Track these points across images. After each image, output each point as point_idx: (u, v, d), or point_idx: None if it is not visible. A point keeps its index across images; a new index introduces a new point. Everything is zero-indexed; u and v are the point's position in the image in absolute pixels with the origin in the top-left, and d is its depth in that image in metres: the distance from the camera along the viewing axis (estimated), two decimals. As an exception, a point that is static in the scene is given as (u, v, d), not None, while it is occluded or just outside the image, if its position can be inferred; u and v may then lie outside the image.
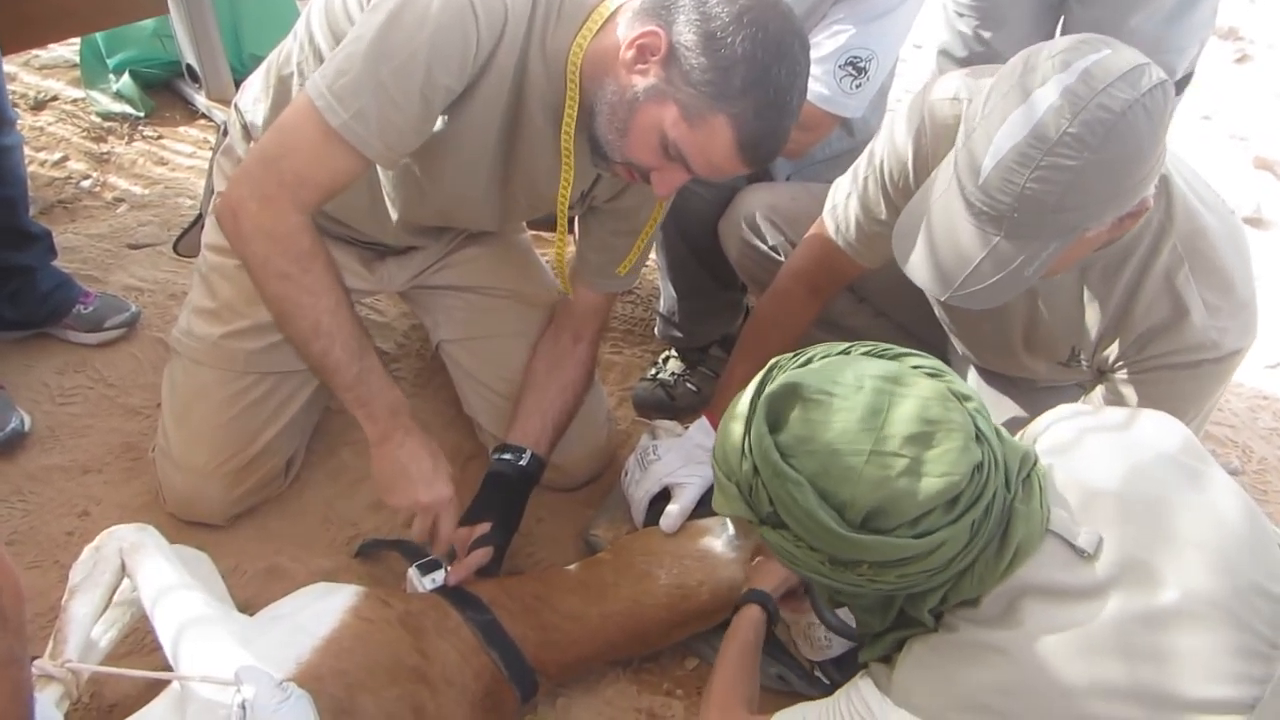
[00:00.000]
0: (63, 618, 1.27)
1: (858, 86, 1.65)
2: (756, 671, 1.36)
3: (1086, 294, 1.31)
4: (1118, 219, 1.12)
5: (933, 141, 1.28)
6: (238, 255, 1.37)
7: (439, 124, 1.33)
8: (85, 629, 1.27)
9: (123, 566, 1.34)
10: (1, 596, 0.55)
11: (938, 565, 0.96)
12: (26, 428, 1.76)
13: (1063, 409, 1.15)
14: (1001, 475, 0.98)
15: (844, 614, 1.47)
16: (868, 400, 0.96)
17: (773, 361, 1.07)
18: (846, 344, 1.08)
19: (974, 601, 1.00)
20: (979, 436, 0.97)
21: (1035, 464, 1.04)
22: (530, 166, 1.45)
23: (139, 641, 1.48)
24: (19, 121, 2.59)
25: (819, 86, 1.64)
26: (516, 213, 1.62)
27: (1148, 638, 0.94)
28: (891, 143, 1.35)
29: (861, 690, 1.08)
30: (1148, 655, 0.93)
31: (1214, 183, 1.34)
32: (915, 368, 1.01)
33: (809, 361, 1.05)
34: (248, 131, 1.60)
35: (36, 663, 1.18)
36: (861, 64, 1.64)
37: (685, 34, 1.20)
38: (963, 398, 1.00)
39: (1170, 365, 1.25)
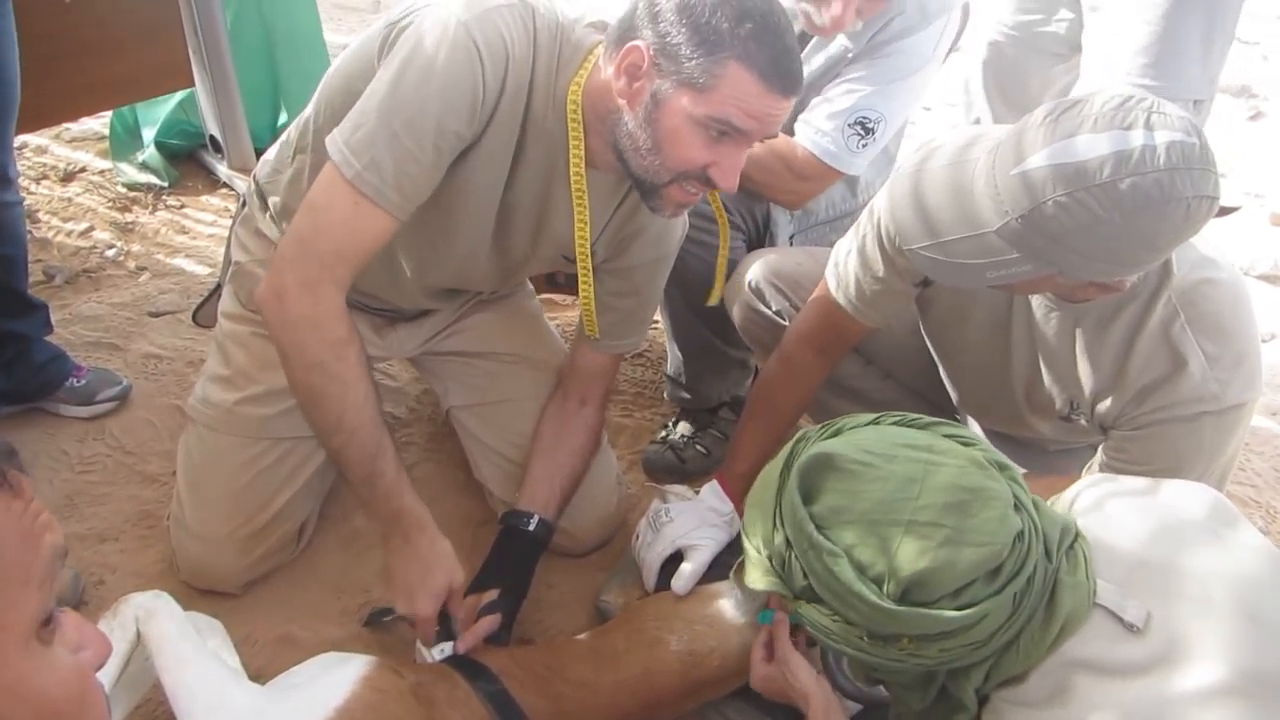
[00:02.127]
0: (76, 689, 1.27)
1: (863, 146, 1.69)
2: None
3: (1080, 343, 1.32)
4: (1089, 282, 1.13)
5: None
6: (275, 341, 1.38)
7: (450, 174, 1.36)
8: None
9: (138, 634, 1.35)
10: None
11: (981, 638, 0.94)
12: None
13: (1091, 477, 1.13)
14: (1041, 545, 0.96)
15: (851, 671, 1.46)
16: (903, 469, 0.94)
17: (800, 434, 1.06)
18: (873, 414, 1.07)
19: (1019, 679, 0.97)
20: (1018, 505, 0.96)
21: (1078, 535, 1.01)
22: (543, 211, 1.48)
23: (152, 713, 1.48)
24: (49, 193, 2.69)
25: (826, 142, 1.68)
26: (527, 267, 1.64)
27: (1210, 716, 0.88)
28: (891, 198, 1.37)
29: None
30: None
31: (1230, 241, 1.35)
32: (948, 436, 1.00)
33: (838, 433, 1.04)
34: (265, 202, 1.64)
35: (49, 734, 1.18)
36: (870, 124, 1.68)
37: (656, 28, 1.23)
38: (1000, 466, 0.99)
39: (1168, 420, 1.25)
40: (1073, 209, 1.04)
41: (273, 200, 1.62)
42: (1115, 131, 1.03)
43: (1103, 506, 1.06)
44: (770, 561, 1.00)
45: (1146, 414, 1.28)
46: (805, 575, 0.96)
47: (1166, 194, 1.02)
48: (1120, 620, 0.94)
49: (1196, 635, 0.92)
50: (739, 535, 1.63)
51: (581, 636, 1.57)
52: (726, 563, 1.60)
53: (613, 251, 1.57)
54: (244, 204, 1.73)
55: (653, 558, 1.61)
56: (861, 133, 1.69)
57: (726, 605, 1.53)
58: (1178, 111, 1.05)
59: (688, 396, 2.06)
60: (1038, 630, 0.95)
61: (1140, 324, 1.26)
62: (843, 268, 1.49)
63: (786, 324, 1.69)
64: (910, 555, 0.91)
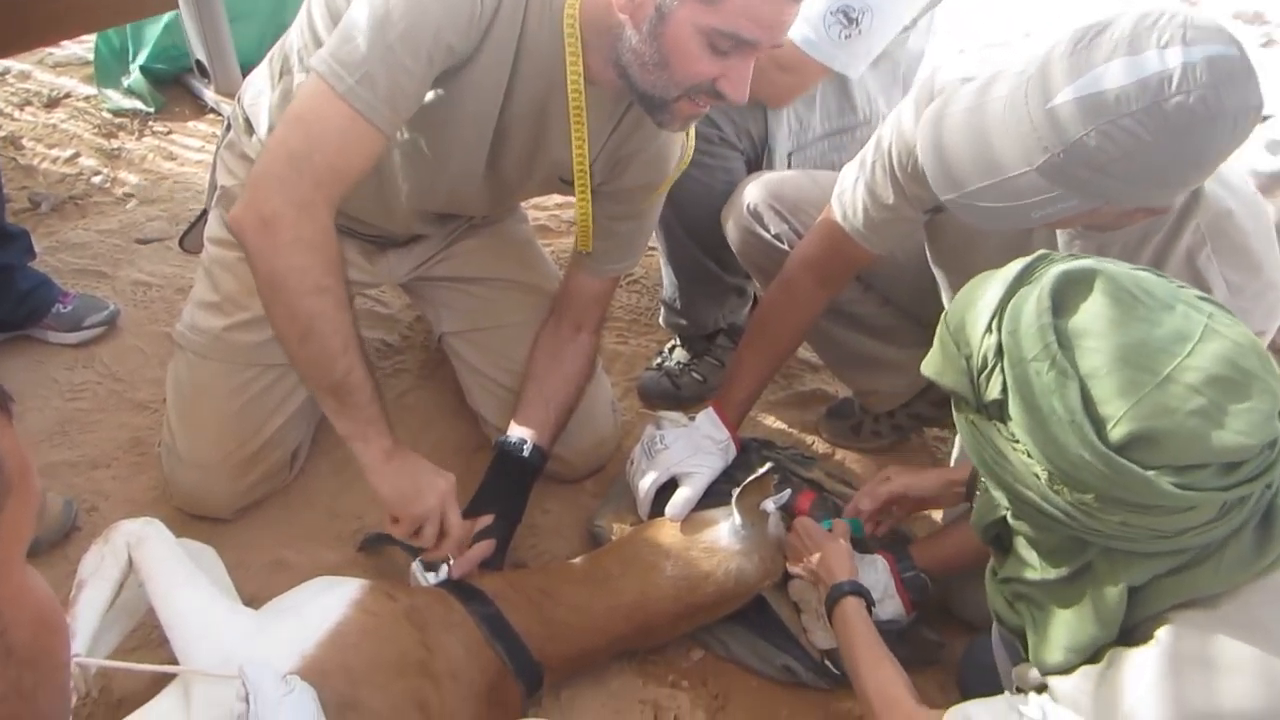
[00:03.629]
0: (71, 612, 1.27)
1: (846, 37, 1.61)
2: (893, 657, 1.27)
3: None
4: (1136, 208, 1.09)
5: None
6: (265, 272, 1.28)
7: (443, 95, 1.31)
8: (93, 623, 1.28)
9: (130, 560, 1.34)
10: (18, 630, 0.56)
11: (1171, 529, 0.84)
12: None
13: None
14: (1275, 471, 0.85)
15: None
16: (1179, 323, 0.83)
17: (1041, 252, 0.94)
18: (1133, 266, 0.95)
19: (1211, 604, 0.87)
20: None
21: None
22: (539, 131, 1.43)
23: (147, 636, 1.49)
24: (33, 120, 2.63)
25: (805, 29, 1.61)
26: (522, 190, 1.59)
27: None
28: (899, 128, 1.33)
29: (1046, 710, 0.93)
30: None
31: (1239, 166, 1.31)
32: (1222, 313, 0.88)
33: (1100, 260, 0.91)
34: (250, 126, 1.60)
35: (41, 657, 1.19)
36: (854, 14, 1.60)
37: None
38: (1276, 374, 0.86)
39: None
40: (1117, 137, 0.99)
41: (258, 121, 1.58)
42: (1151, 52, 0.97)
43: None
44: (967, 361, 0.90)
45: None
46: (1005, 389, 0.85)
47: (1213, 110, 0.97)
48: None
49: None
50: (734, 462, 1.63)
51: (576, 561, 1.57)
52: (720, 490, 1.59)
53: (609, 173, 1.52)
54: (229, 128, 1.69)
55: (647, 484, 1.60)
56: (845, 22, 1.61)
57: (721, 531, 1.53)
58: (1212, 21, 1.00)
59: (683, 322, 2.03)
60: (1246, 551, 0.86)
61: (1166, 252, 1.23)
62: (850, 195, 1.45)
63: (785, 249, 1.65)
64: (1151, 410, 0.80)
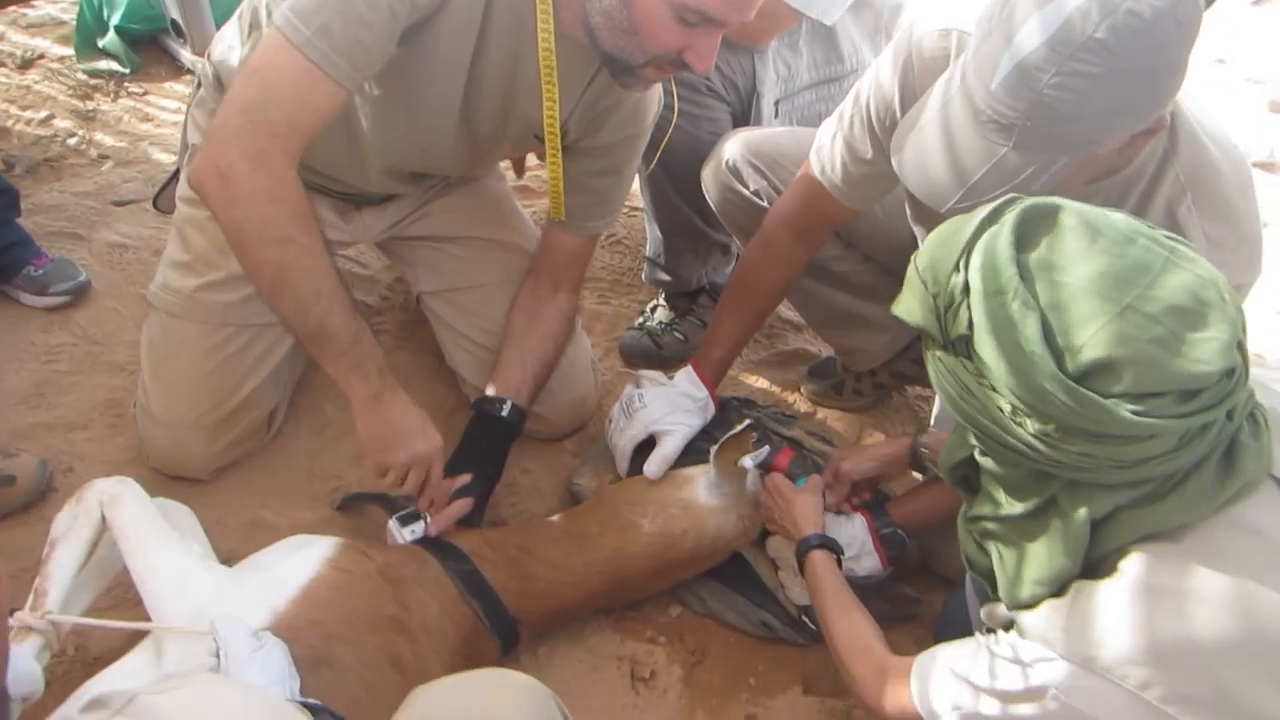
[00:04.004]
0: (43, 570, 1.27)
1: None
2: (862, 606, 1.30)
3: None
4: (1130, 137, 1.07)
5: (920, 77, 1.24)
6: (227, 224, 1.27)
7: (412, 48, 1.29)
8: (66, 581, 1.27)
9: (103, 519, 1.34)
10: None
11: (1131, 459, 0.85)
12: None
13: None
14: (1235, 400, 0.87)
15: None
16: (1140, 255, 0.84)
17: (1011, 195, 0.95)
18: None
19: (1175, 536, 0.88)
20: (1239, 345, 0.86)
21: (1257, 401, 0.93)
22: (507, 92, 1.41)
23: (123, 595, 1.48)
24: (6, 81, 2.59)
25: None
26: (496, 148, 1.57)
27: None
28: (877, 81, 1.31)
29: (1016, 645, 0.95)
30: None
31: (1230, 126, 1.30)
32: (1186, 248, 0.89)
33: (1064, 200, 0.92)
34: (220, 82, 1.57)
35: (16, 615, 1.18)
36: None
37: None
38: (1237, 305, 0.87)
39: None
40: (1071, 84, 0.99)
41: (229, 76, 1.55)
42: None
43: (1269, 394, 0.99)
44: (935, 300, 0.92)
45: None
46: (970, 325, 0.87)
47: (1147, 20, 0.96)
48: None
49: None
50: (713, 420, 1.63)
51: (554, 519, 1.57)
52: (699, 448, 1.59)
53: (586, 129, 1.50)
54: (199, 85, 1.66)
55: (625, 442, 1.60)
56: None
57: (699, 489, 1.53)
58: None
59: (666, 278, 2.02)
60: (1209, 484, 0.87)
61: (1147, 204, 1.21)
62: (828, 150, 1.43)
63: (765, 205, 1.64)
64: (1112, 339, 0.81)
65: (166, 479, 1.66)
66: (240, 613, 1.20)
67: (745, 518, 1.53)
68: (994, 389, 0.87)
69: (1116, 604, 0.87)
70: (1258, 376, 0.96)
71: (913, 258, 0.97)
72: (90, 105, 2.58)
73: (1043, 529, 0.93)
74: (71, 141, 2.44)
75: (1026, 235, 0.87)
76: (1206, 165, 1.19)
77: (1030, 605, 0.94)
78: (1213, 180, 1.19)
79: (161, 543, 1.29)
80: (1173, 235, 0.90)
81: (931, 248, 0.94)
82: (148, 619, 1.25)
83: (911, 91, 1.25)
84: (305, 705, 1.04)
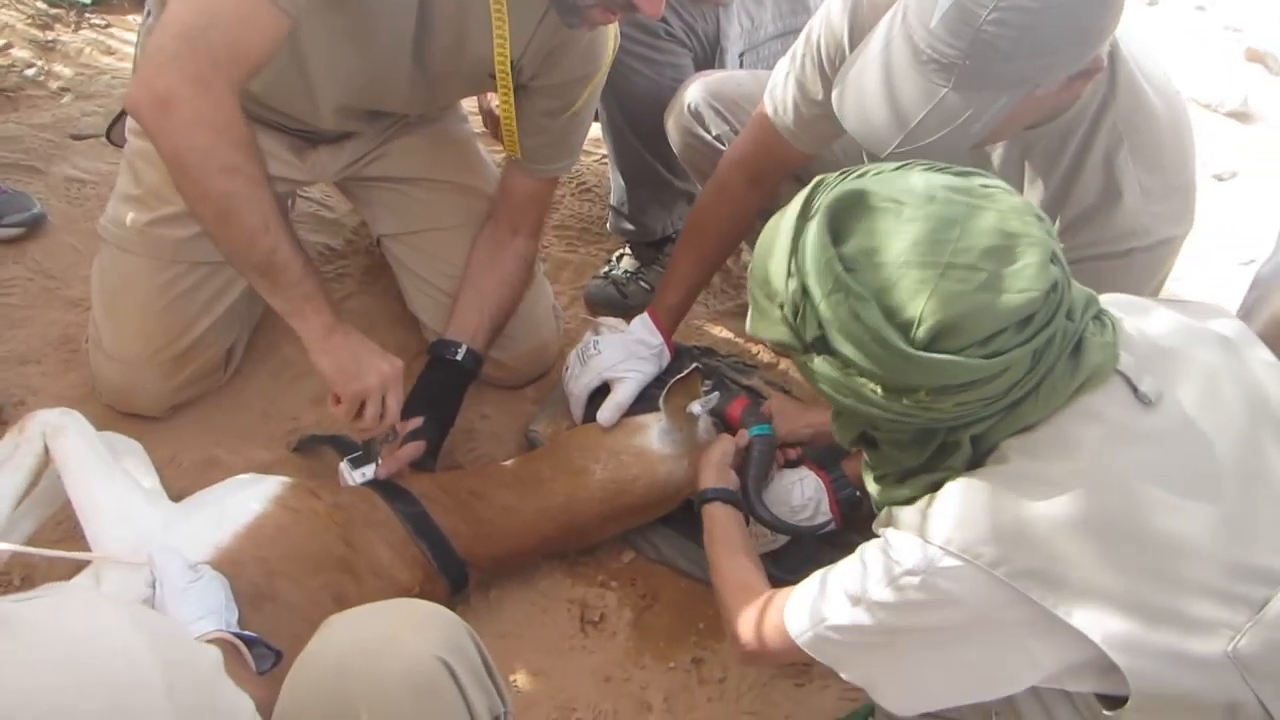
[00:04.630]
0: (-20, 500, 1.26)
1: None
2: (755, 556, 1.32)
3: (1028, 175, 1.27)
4: (1068, 79, 1.08)
5: (869, 14, 1.22)
6: (167, 152, 1.23)
7: None
8: (5, 510, 1.26)
9: (46, 449, 1.33)
10: None
11: (998, 392, 0.90)
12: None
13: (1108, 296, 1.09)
14: (1067, 304, 0.92)
15: (783, 509, 1.47)
16: (941, 210, 0.88)
17: (818, 178, 0.97)
18: (900, 162, 0.98)
19: (1031, 428, 0.94)
20: (1054, 258, 0.90)
21: (1103, 308, 0.98)
22: (458, 29, 1.39)
23: (72, 529, 1.48)
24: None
25: None
26: (450, 86, 1.55)
27: (1205, 495, 0.90)
28: (827, 20, 1.29)
29: (887, 537, 0.98)
30: (1202, 513, 0.89)
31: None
32: (986, 185, 0.93)
33: (863, 176, 0.95)
34: (166, 6, 1.53)
35: (-47, 544, 1.18)
36: None
37: None
38: (1039, 217, 0.92)
39: (1100, 255, 1.22)
40: (1009, 19, 0.99)
41: None
42: None
43: (1130, 308, 1.04)
44: (781, 310, 0.94)
45: (1080, 248, 1.24)
46: (820, 325, 0.90)
47: None
48: (1135, 390, 0.93)
49: (1199, 423, 0.93)
50: (669, 365, 1.62)
51: (507, 464, 1.57)
52: (653, 395, 1.59)
53: (540, 68, 1.47)
54: (149, 13, 1.61)
55: (579, 389, 1.60)
56: None
57: (651, 436, 1.53)
58: None
59: (630, 228, 2.00)
60: (1060, 380, 0.92)
61: (1085, 151, 1.22)
62: (780, 91, 1.41)
63: (725, 149, 1.62)
64: (945, 299, 0.85)
65: (120, 416, 1.65)
66: (183, 547, 1.20)
67: (696, 465, 1.53)
68: (861, 375, 0.91)
69: (973, 491, 0.93)
70: (1130, 304, 1.04)
71: (749, 275, 1.00)
72: (50, 36, 2.52)
73: (937, 462, 0.97)
74: (29, 72, 2.38)
75: (839, 227, 0.90)
76: (1143, 112, 1.19)
77: (897, 502, 0.99)
78: (1148, 128, 1.19)
79: (105, 475, 1.29)
80: (968, 171, 0.94)
81: (760, 260, 0.97)
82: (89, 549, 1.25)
83: (860, 29, 1.24)
84: (240, 636, 1.05)
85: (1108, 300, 1.02)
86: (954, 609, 0.92)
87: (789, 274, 0.92)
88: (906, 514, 0.97)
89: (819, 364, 0.94)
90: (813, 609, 1.04)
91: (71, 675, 0.50)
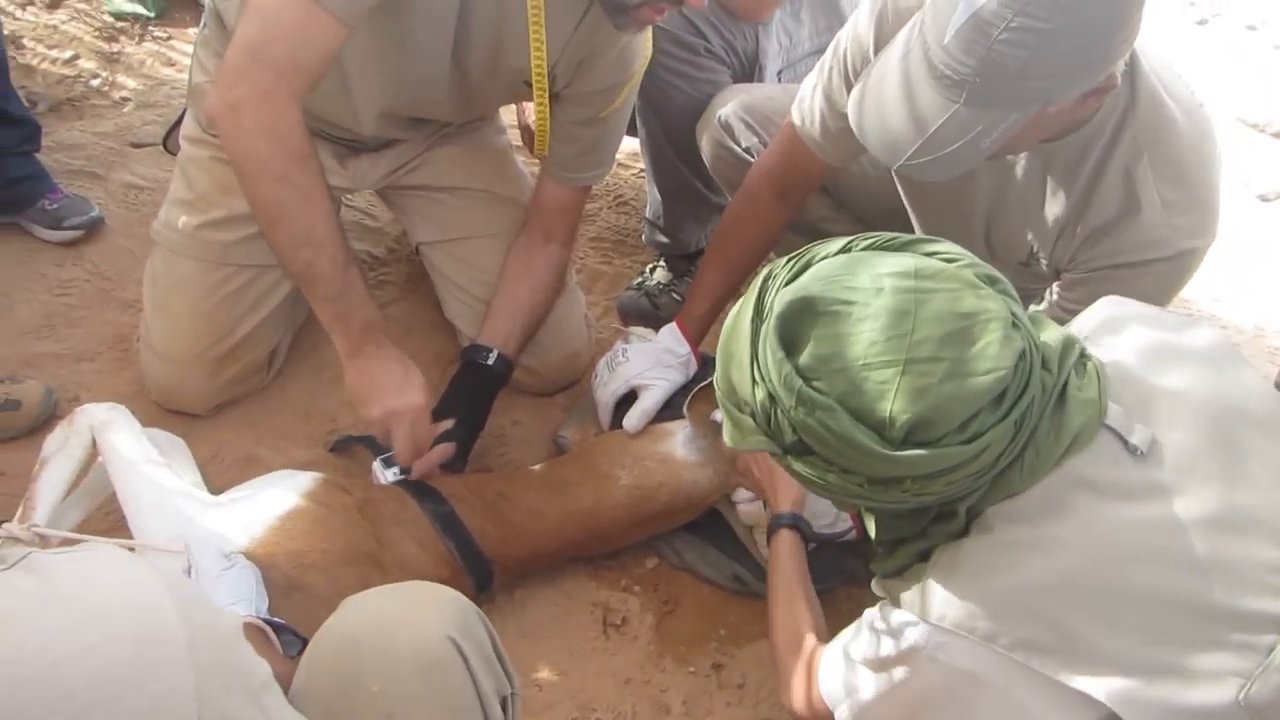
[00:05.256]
0: (33, 487, 1.33)
1: None
2: (813, 598, 1.31)
3: (1049, 187, 1.28)
4: (1082, 96, 1.08)
5: (894, 26, 1.24)
6: (234, 155, 1.33)
7: None
8: (54, 498, 1.33)
9: (94, 442, 1.39)
10: None
11: (984, 466, 0.89)
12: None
13: (1100, 302, 1.09)
14: (1040, 360, 0.91)
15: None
16: (891, 303, 0.86)
17: (765, 272, 0.97)
18: (842, 239, 0.97)
19: (1017, 495, 0.93)
20: (1015, 322, 0.89)
21: (1084, 352, 0.97)
22: (495, 36, 1.43)
23: (119, 520, 1.54)
24: (34, 20, 2.64)
25: None
26: (487, 93, 1.59)
27: (1198, 546, 0.88)
28: (855, 33, 1.31)
29: (888, 615, 1.00)
30: (1196, 565, 0.88)
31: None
32: (930, 254, 0.92)
33: (807, 265, 0.95)
34: (222, 21, 1.60)
35: (4, 526, 1.24)
36: None
37: None
38: (991, 280, 0.91)
39: (1118, 265, 1.22)
40: (1020, 40, 1.00)
41: (226, 14, 1.57)
42: None
43: (1110, 330, 1.03)
44: (754, 419, 0.94)
45: (1098, 258, 1.25)
46: (794, 430, 0.90)
47: None
48: (1125, 443, 0.92)
49: (1190, 467, 0.91)
50: (695, 374, 1.65)
51: (535, 468, 1.60)
52: (680, 403, 1.61)
53: (573, 75, 1.51)
54: (204, 25, 1.69)
55: (606, 396, 1.62)
56: None
57: (677, 443, 1.55)
58: None
59: (665, 240, 2.03)
60: (1044, 444, 0.91)
61: (1105, 163, 1.22)
62: (808, 104, 1.43)
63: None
64: (911, 396, 0.84)
65: (167, 413, 1.71)
66: (219, 537, 1.25)
67: (721, 474, 1.55)
68: (845, 471, 0.91)
69: (962, 562, 0.92)
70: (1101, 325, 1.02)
71: (716, 388, 0.99)
72: (115, 47, 2.63)
73: (935, 531, 0.98)
74: (94, 82, 2.49)
75: (791, 338, 0.89)
76: (1164, 125, 1.19)
77: (899, 573, 1.00)
78: (1168, 141, 1.19)
79: (148, 467, 1.34)
80: (912, 240, 0.93)
81: (724, 371, 0.97)
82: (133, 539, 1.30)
83: (886, 42, 1.25)
84: (269, 623, 1.08)
85: (1082, 326, 1.02)
86: (964, 683, 0.92)
87: (754, 381, 0.92)
88: (905, 594, 0.97)
89: (801, 466, 0.93)
90: (845, 680, 1.06)
91: (98, 621, 0.54)
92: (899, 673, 0.97)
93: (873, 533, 1.07)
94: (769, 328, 0.90)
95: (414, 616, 0.84)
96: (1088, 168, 1.22)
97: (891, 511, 1.00)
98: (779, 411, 0.90)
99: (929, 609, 0.93)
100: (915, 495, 0.91)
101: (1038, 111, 1.07)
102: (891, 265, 0.89)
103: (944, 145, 1.08)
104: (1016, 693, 0.90)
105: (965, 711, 0.95)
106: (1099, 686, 0.86)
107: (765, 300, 0.93)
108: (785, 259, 0.97)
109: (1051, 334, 0.96)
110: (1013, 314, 0.89)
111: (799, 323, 0.89)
